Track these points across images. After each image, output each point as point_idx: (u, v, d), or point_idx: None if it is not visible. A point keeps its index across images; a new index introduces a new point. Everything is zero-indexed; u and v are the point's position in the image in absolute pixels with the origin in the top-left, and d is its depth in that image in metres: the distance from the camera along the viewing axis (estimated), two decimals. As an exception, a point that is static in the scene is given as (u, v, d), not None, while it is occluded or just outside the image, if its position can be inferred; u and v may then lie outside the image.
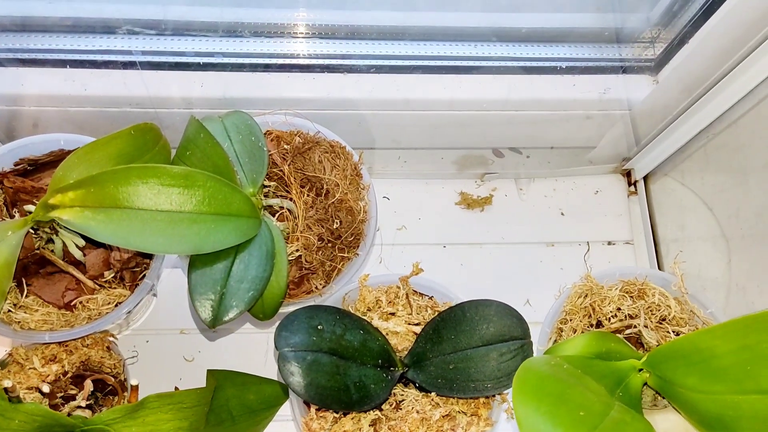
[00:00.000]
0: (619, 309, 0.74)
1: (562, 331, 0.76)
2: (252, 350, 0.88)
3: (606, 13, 0.88)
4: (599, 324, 0.75)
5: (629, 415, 0.57)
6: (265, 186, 0.74)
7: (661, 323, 0.74)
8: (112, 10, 0.76)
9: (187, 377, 0.86)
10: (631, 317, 0.74)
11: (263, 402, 0.82)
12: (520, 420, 0.53)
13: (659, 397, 0.70)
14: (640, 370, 0.65)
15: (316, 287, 0.72)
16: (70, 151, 0.74)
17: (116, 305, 0.71)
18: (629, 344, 0.71)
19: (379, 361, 0.68)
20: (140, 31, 0.77)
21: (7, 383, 0.58)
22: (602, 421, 0.54)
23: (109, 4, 0.77)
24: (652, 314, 0.74)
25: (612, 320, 0.74)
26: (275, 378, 0.82)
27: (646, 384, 0.66)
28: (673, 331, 0.74)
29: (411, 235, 0.97)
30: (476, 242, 0.98)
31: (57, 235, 0.70)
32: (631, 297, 0.75)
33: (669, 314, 0.74)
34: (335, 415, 0.68)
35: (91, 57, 0.78)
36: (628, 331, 0.74)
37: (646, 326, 0.73)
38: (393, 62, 0.82)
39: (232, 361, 0.88)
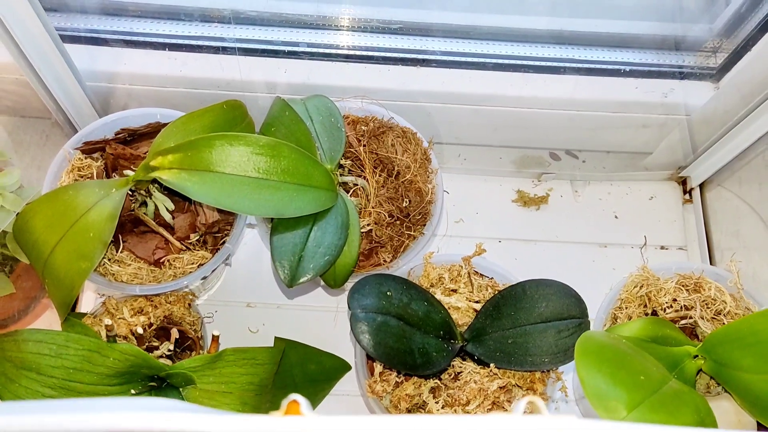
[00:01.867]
0: (674, 300, 0.76)
1: (616, 319, 0.78)
2: (314, 326, 0.92)
3: (668, 22, 0.92)
4: (654, 313, 0.77)
5: (686, 388, 0.59)
6: (341, 165, 0.79)
7: (716, 316, 0.76)
8: (211, 1, 0.84)
9: (251, 347, 0.91)
10: (686, 308, 0.76)
11: (323, 373, 0.87)
12: (583, 380, 0.56)
13: (712, 386, 0.71)
14: (695, 357, 0.67)
15: (384, 260, 0.77)
16: (165, 124, 0.81)
17: (199, 266, 0.76)
18: (684, 334, 0.73)
19: (441, 332, 0.72)
20: (236, 19, 0.84)
21: (108, 321, 0.64)
22: (661, 388, 0.56)
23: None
24: (708, 307, 0.76)
25: (667, 310, 0.76)
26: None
27: (700, 371, 0.68)
28: (728, 324, 0.76)
29: (468, 228, 1.01)
30: (531, 239, 1.01)
31: (150, 199, 0.76)
32: (687, 290, 0.77)
33: (724, 309, 0.76)
34: (397, 379, 0.71)
35: (188, 42, 0.85)
36: (683, 322, 0.76)
37: (702, 317, 0.75)
38: (464, 59, 0.88)
39: (294, 335, 0.92)
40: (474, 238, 1.00)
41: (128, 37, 0.85)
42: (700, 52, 0.90)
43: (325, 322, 0.93)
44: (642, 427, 0.27)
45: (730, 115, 0.88)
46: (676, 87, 0.90)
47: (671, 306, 0.76)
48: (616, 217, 1.03)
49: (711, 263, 0.99)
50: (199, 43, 0.85)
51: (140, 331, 0.68)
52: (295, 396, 0.29)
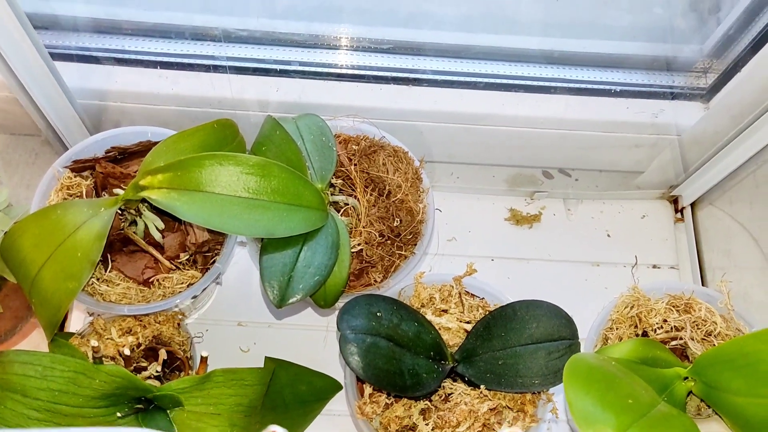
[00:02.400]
0: (665, 321, 0.76)
1: (607, 340, 0.78)
2: (305, 345, 0.91)
3: (659, 43, 0.93)
4: (645, 334, 0.77)
5: (675, 411, 0.59)
6: (332, 184, 0.79)
7: (706, 337, 0.76)
8: (203, 20, 0.84)
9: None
10: (677, 329, 0.76)
11: (314, 394, 0.86)
12: (571, 403, 0.55)
13: (703, 408, 0.71)
14: (686, 378, 0.67)
15: (375, 280, 0.77)
16: (156, 143, 0.80)
17: (188, 285, 0.76)
18: (674, 355, 0.73)
19: (432, 353, 0.71)
20: (227, 38, 0.84)
21: (94, 343, 0.63)
22: (650, 411, 0.56)
23: (201, 14, 0.84)
24: (698, 328, 0.76)
25: (658, 331, 0.76)
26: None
27: (690, 393, 0.67)
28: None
29: (460, 247, 1.01)
30: (524, 257, 1.01)
31: (140, 218, 0.76)
32: (678, 310, 0.77)
33: (715, 330, 0.76)
34: (387, 401, 0.71)
35: (180, 60, 0.85)
36: (673, 343, 0.76)
37: (692, 338, 0.75)
38: (456, 78, 0.88)
39: (285, 354, 0.91)
40: (466, 257, 1.00)
41: (119, 55, 0.85)
42: (690, 72, 0.91)
43: (316, 341, 0.92)
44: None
45: (721, 136, 0.88)
46: (667, 107, 0.90)
47: (662, 327, 0.76)
48: (608, 235, 1.03)
49: (703, 282, 0.99)
50: (191, 61, 0.85)
51: (127, 352, 0.68)
52: (275, 427, 0.29)
